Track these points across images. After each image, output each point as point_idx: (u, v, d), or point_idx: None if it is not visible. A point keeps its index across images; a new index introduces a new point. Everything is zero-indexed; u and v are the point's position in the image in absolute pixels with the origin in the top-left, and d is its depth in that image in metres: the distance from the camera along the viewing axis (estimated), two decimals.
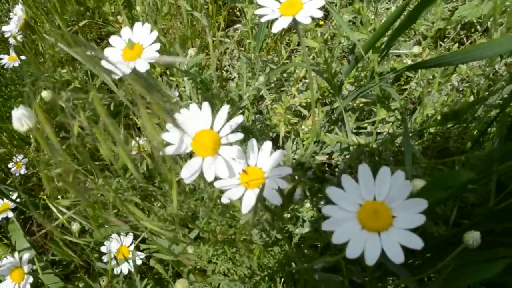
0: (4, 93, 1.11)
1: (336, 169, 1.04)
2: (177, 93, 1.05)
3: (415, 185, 0.48)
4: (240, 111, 1.14)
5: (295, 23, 0.51)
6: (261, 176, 0.44)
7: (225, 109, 0.45)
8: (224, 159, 0.43)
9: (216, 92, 0.74)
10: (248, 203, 0.42)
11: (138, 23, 0.54)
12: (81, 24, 1.30)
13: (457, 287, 0.63)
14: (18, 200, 0.89)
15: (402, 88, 1.13)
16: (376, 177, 0.38)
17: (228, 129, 0.44)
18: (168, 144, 0.45)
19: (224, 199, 0.43)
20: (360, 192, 0.38)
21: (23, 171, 1.04)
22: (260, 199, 0.39)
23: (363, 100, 0.84)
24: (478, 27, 1.31)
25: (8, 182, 1.03)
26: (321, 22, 1.32)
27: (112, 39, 0.55)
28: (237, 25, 1.29)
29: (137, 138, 0.95)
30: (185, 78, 0.93)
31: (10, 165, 1.04)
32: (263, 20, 0.51)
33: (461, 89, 0.99)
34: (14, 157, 1.05)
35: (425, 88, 0.86)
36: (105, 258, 0.77)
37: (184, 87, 1.04)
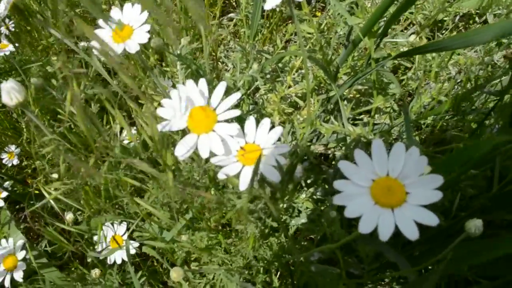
0: None
1: (333, 162, 1.03)
2: (171, 83, 1.03)
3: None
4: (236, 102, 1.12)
5: (288, 4, 0.50)
6: (259, 152, 0.43)
7: (223, 85, 0.44)
8: (220, 136, 0.42)
9: (209, 78, 0.72)
10: (245, 180, 0.41)
11: (128, 4, 0.53)
12: (77, 10, 1.27)
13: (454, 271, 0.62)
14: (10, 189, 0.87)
15: (399, 79, 1.12)
16: (390, 153, 0.37)
17: (225, 106, 0.43)
18: (163, 120, 0.43)
19: (221, 175, 0.41)
20: (373, 168, 0.37)
21: (15, 161, 1.02)
22: (257, 172, 0.37)
23: (359, 87, 0.83)
24: (476, 18, 1.30)
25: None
26: (318, 14, 1.31)
27: (102, 21, 0.53)
28: (231, 14, 1.27)
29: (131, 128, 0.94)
30: (179, 67, 0.91)
31: (2, 156, 1.02)
32: None
33: (459, 80, 0.98)
34: (7, 147, 1.04)
35: (422, 77, 0.85)
36: (99, 248, 0.75)
37: (179, 77, 1.03)
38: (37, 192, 0.90)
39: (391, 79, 0.65)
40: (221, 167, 0.42)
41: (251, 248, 0.65)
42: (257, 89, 1.10)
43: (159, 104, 0.44)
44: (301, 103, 1.01)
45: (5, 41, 1.05)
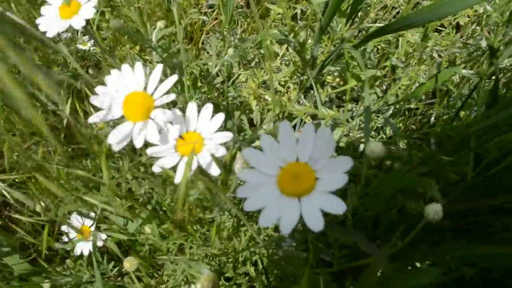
0: None
1: None
2: (148, 70, 1.01)
3: (371, 148, 0.44)
4: (219, 92, 1.10)
5: None
6: (200, 142, 0.40)
7: (159, 68, 0.41)
8: (157, 124, 0.39)
9: (176, 62, 0.70)
10: (181, 172, 0.38)
11: None
12: None
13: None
14: None
15: (383, 65, 1.09)
16: (299, 137, 0.34)
17: (162, 90, 0.40)
18: (97, 109, 0.41)
19: (156, 168, 0.39)
20: (281, 153, 0.34)
21: None
22: (189, 166, 0.35)
23: (332, 68, 0.80)
24: None
25: None
26: (305, 3, 1.28)
27: None
28: (211, 1, 1.24)
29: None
30: (153, 53, 0.89)
31: None
32: None
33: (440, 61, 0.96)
34: None
35: (400, 57, 0.82)
36: (65, 239, 0.74)
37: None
38: None
39: (358, 58, 0.62)
40: (157, 159, 0.40)
41: (218, 238, 0.63)
42: (240, 78, 1.08)
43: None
44: (281, 89, 0.99)
45: None
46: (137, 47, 1.19)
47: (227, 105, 0.99)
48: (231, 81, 1.02)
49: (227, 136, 0.40)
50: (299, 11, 1.19)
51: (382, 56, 1.07)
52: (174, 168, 0.39)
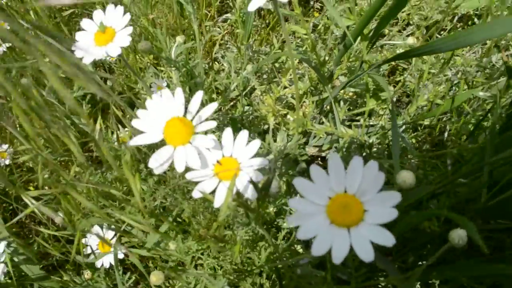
0: None
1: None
2: (165, 83, 1.02)
3: (402, 177, 0.45)
4: (231, 103, 1.11)
5: (274, 5, 0.48)
6: (236, 167, 0.41)
7: (199, 95, 0.43)
8: (197, 148, 0.41)
9: (199, 81, 0.71)
10: (221, 196, 0.40)
11: (111, 5, 0.52)
12: (67, 13, 1.27)
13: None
14: None
15: (396, 80, 1.10)
16: (348, 168, 0.35)
17: (202, 117, 0.42)
18: (139, 132, 0.42)
19: (196, 193, 0.40)
20: (330, 184, 0.35)
21: (7, 161, 1.02)
22: (231, 191, 0.36)
23: (352, 90, 0.81)
24: (475, 19, 1.28)
25: None
26: (316, 15, 1.29)
27: (84, 23, 0.52)
28: (226, 15, 1.26)
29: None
30: (173, 69, 0.90)
31: None
32: (249, 8, 0.48)
33: (456, 81, 0.97)
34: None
35: (418, 79, 0.83)
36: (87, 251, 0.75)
37: (173, 79, 1.02)
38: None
39: (381, 83, 0.63)
40: (196, 183, 0.41)
41: (239, 253, 0.65)
42: (253, 89, 1.09)
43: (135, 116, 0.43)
44: (296, 103, 1.00)
45: None
46: (151, 56, 1.21)
47: (242, 119, 1.00)
48: (244, 93, 1.03)
49: (263, 163, 0.41)
50: (310, 24, 1.20)
51: (392, 68, 1.09)
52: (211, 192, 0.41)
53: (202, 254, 0.71)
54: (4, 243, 0.73)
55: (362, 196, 0.34)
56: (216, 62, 1.25)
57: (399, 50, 1.00)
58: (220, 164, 0.41)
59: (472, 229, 0.43)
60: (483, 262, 0.60)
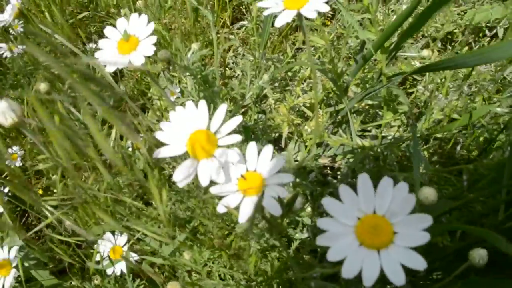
0: (1, 82, 1.09)
1: (339, 172, 1.01)
2: (178, 89, 1.02)
3: (424, 194, 0.45)
4: (242, 110, 1.11)
5: (299, 18, 0.48)
6: (261, 182, 0.41)
7: (223, 108, 0.42)
8: (221, 162, 0.40)
9: (217, 90, 0.71)
10: (245, 212, 0.39)
11: (135, 14, 0.51)
12: (81, 16, 1.27)
13: None
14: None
15: (407, 91, 1.10)
16: (377, 188, 0.35)
17: (226, 130, 0.41)
18: (162, 144, 0.42)
19: (221, 207, 0.40)
20: (359, 205, 0.35)
21: (18, 163, 1.02)
22: (259, 209, 0.36)
23: (369, 102, 0.81)
24: (486, 31, 1.28)
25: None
26: (328, 22, 1.29)
27: (107, 30, 0.52)
28: (242, 22, 1.26)
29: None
30: (188, 76, 0.90)
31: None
32: (266, 13, 0.47)
33: (469, 94, 0.96)
34: (10, 149, 1.03)
35: (433, 92, 0.83)
36: (98, 257, 0.74)
37: (187, 83, 1.02)
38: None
39: (401, 98, 0.63)
40: (220, 197, 0.41)
41: (253, 264, 0.64)
42: (265, 96, 1.09)
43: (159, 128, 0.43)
44: (309, 113, 1.00)
45: (12, 43, 1.04)
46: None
47: (254, 127, 1.00)
48: (255, 99, 1.03)
49: (288, 179, 0.41)
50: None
51: (404, 78, 1.08)
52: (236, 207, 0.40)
53: (213, 262, 0.70)
54: (16, 248, 0.73)
55: (392, 218, 0.34)
56: (227, 68, 1.25)
57: (414, 62, 1.00)
58: (245, 179, 0.41)
59: (502, 242, 0.42)
60: (503, 279, 0.59)
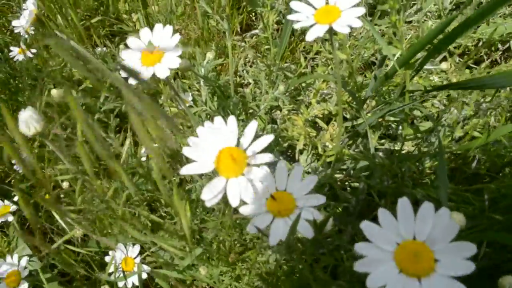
0: (12, 86, 1.07)
1: (346, 183, 0.99)
2: (190, 98, 1.01)
3: (453, 219, 0.43)
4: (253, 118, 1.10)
5: (329, 33, 0.47)
6: (292, 203, 0.40)
7: (254, 125, 0.41)
8: (250, 181, 0.39)
9: (236, 101, 0.70)
10: (276, 233, 0.38)
11: (159, 25, 0.50)
12: (93, 20, 1.26)
13: None
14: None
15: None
16: (417, 214, 0.34)
17: (257, 148, 0.40)
18: (189, 160, 0.41)
19: (251, 228, 0.38)
20: (398, 230, 0.34)
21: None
22: (293, 232, 0.34)
23: (391, 118, 0.80)
24: (499, 45, 1.27)
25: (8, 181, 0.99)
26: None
27: (130, 41, 0.51)
28: (255, 31, 1.25)
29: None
30: (202, 83, 0.88)
31: (13, 161, 1.00)
32: (296, 26, 0.46)
33: (487, 111, 0.95)
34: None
35: (459, 109, 0.81)
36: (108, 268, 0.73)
37: (197, 90, 1.00)
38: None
39: (429, 118, 0.61)
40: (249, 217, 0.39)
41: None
42: (275, 106, 1.07)
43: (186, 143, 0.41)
44: (322, 125, 0.98)
45: (23, 46, 1.03)
46: None
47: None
48: (270, 112, 1.01)
49: (321, 201, 0.39)
50: (336, 44, 1.19)
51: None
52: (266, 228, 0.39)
53: (224, 276, 0.69)
54: (26, 258, 0.71)
55: (432, 245, 0.33)
56: (237, 76, 1.24)
57: (432, 76, 0.98)
58: (275, 199, 0.40)
59: None
60: None
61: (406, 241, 0.34)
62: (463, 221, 0.44)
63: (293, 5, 0.48)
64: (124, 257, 0.73)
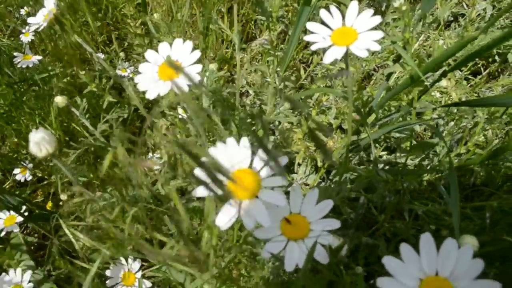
0: (18, 91, 1.06)
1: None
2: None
3: (465, 244, 0.43)
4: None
5: (345, 58, 0.47)
6: (307, 227, 0.39)
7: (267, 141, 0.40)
8: (265, 204, 0.38)
9: (243, 116, 0.69)
10: (292, 258, 0.37)
11: (179, 40, 0.50)
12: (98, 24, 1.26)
13: None
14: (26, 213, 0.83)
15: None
16: (440, 249, 0.34)
17: (270, 170, 0.39)
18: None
19: (265, 253, 0.38)
20: (421, 265, 0.34)
21: (29, 177, 0.99)
22: (310, 259, 0.34)
23: (397, 135, 0.80)
24: (496, 57, 1.28)
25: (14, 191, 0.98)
26: None
27: (148, 54, 0.50)
28: (256, 41, 1.25)
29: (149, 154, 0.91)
30: (203, 94, 0.88)
31: (15, 171, 1.00)
32: (313, 47, 0.46)
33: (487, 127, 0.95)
34: (21, 162, 1.01)
35: (466, 130, 0.82)
36: (108, 283, 0.72)
37: (197, 98, 1.00)
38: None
39: (439, 138, 0.61)
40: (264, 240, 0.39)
41: None
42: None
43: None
44: (322, 137, 0.98)
45: (29, 53, 1.02)
46: None
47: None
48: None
49: (336, 225, 0.39)
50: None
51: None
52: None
53: None
54: (29, 272, 0.70)
55: (456, 281, 0.33)
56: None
57: (434, 92, 0.99)
58: (289, 222, 0.39)
59: None
60: None
61: (429, 276, 0.34)
62: (477, 245, 0.44)
63: (309, 26, 0.48)
64: (124, 272, 0.72)
